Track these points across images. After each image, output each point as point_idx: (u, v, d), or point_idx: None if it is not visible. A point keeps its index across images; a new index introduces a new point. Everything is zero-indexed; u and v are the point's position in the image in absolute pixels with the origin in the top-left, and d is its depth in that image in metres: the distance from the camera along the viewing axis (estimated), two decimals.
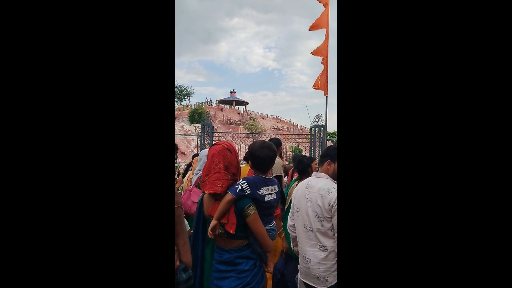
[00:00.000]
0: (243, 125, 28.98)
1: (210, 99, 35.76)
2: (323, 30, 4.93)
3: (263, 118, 34.51)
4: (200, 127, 7.76)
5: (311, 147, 6.96)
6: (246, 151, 1.84)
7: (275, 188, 1.75)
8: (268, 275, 2.08)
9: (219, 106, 35.19)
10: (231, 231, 1.57)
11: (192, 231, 1.94)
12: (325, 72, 5.04)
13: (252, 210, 1.59)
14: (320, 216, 1.69)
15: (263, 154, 1.69)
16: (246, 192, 1.60)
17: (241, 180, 1.67)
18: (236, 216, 1.59)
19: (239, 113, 34.35)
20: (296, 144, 13.85)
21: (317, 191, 1.72)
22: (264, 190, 1.66)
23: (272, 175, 1.86)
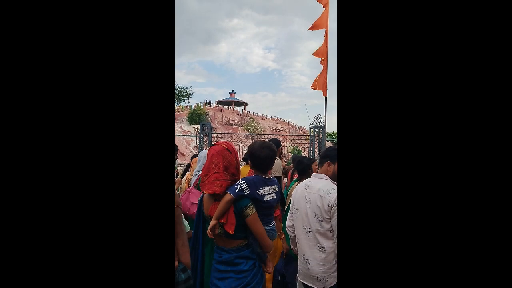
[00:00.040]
0: (242, 126, 28.95)
1: (210, 100, 35.81)
2: (323, 31, 4.94)
3: (262, 119, 34.47)
4: (199, 128, 7.77)
5: (310, 148, 6.96)
6: (245, 151, 1.84)
7: (275, 188, 1.74)
8: (268, 276, 2.08)
9: (218, 107, 35.17)
10: (230, 231, 1.57)
11: (192, 231, 1.94)
12: (324, 73, 5.05)
13: (251, 210, 1.59)
14: (319, 217, 1.68)
15: (263, 154, 1.68)
16: (246, 192, 1.59)
17: (240, 180, 1.66)
18: (235, 216, 1.59)
19: (238, 114, 34.33)
20: (296, 145, 13.85)
21: (317, 192, 1.72)
22: (264, 190, 1.65)
23: (272, 175, 1.85)
